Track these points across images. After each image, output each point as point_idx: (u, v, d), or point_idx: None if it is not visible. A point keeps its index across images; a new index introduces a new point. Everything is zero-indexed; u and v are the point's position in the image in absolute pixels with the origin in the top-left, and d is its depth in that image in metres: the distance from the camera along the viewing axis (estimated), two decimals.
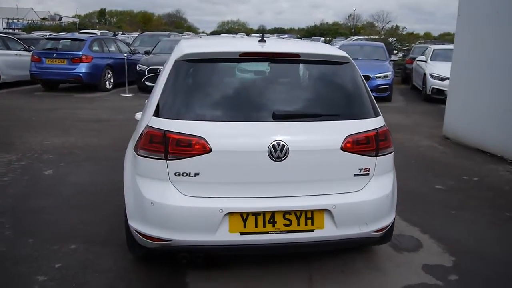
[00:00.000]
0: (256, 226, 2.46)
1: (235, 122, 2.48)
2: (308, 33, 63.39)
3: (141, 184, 2.53)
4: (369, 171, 2.61)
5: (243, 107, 2.59)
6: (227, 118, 2.50)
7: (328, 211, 2.51)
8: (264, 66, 2.74)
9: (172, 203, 2.44)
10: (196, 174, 2.43)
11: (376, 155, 2.61)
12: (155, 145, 2.47)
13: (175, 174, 2.44)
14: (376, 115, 2.68)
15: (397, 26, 61.11)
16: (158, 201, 2.45)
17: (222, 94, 2.67)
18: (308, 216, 2.51)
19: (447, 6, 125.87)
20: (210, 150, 2.40)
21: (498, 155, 5.85)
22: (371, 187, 2.64)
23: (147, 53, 12.45)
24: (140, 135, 2.58)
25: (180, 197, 2.44)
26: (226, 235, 2.44)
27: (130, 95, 11.22)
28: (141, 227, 2.54)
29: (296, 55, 2.69)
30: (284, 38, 33.32)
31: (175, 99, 2.57)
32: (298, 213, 2.49)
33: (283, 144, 2.42)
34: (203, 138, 2.40)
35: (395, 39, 22.71)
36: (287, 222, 2.49)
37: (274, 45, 3.04)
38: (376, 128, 2.62)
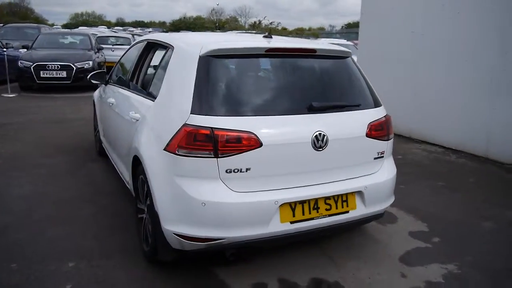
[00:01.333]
0: (303, 214, 2.59)
1: (280, 116, 2.56)
2: (174, 27, 62.74)
3: (186, 185, 2.44)
4: (383, 154, 2.93)
5: (282, 101, 2.68)
6: (272, 112, 2.56)
7: (360, 192, 2.76)
8: (286, 61, 2.84)
9: (226, 200, 2.41)
10: (247, 169, 2.45)
11: (387, 139, 2.95)
12: (201, 143, 2.41)
13: (226, 171, 2.42)
14: (380, 104, 3.01)
15: (260, 21, 64.00)
16: (211, 200, 2.40)
17: (259, 89, 2.71)
18: (344, 199, 2.72)
19: (300, 4, 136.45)
20: (261, 145, 2.44)
21: (406, 135, 6.83)
22: (385, 168, 2.98)
23: (25, 47, 11.07)
24: (176, 134, 2.47)
25: (233, 194, 2.44)
26: (278, 226, 2.52)
27: (14, 95, 9.90)
28: (187, 230, 2.46)
29: (313, 50, 2.86)
30: (150, 32, 32.31)
31: (214, 95, 2.52)
32: (336, 197, 2.69)
33: (323, 134, 2.59)
34: (253, 133, 2.43)
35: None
36: (328, 207, 2.67)
37: (286, 41, 3.14)
38: (385, 116, 2.96)
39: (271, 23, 23.76)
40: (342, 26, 60.09)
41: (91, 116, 7.74)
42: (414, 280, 2.86)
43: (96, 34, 15.87)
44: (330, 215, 2.68)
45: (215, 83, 2.55)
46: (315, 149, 2.58)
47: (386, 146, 2.93)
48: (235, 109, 2.51)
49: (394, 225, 3.71)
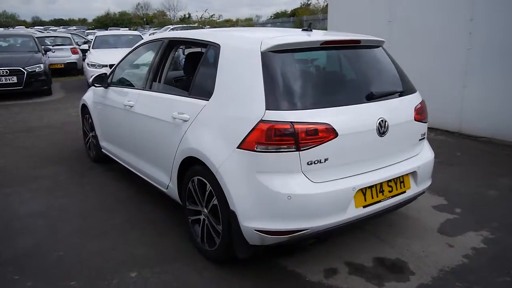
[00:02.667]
0: (372, 198, 2.73)
1: (348, 106, 2.66)
2: (100, 24, 59.86)
3: (269, 180, 2.47)
4: (424, 135, 3.15)
5: (346, 91, 2.78)
6: (341, 103, 2.65)
7: (413, 172, 2.95)
8: (340, 53, 2.94)
9: (310, 192, 2.48)
10: (325, 160, 2.53)
11: (426, 122, 3.16)
12: (282, 138, 2.44)
13: (307, 163, 2.48)
14: (416, 89, 3.22)
15: (189, 15, 62.77)
16: (296, 193, 2.46)
17: (323, 81, 2.79)
18: (401, 180, 2.90)
19: None
20: (336, 135, 2.53)
21: None
22: (426, 149, 3.20)
23: None
24: (251, 131, 2.48)
25: (315, 185, 2.50)
26: (354, 211, 2.63)
27: None
28: (270, 224, 2.50)
29: (358, 41, 2.98)
30: (75, 30, 30.58)
31: (287, 90, 2.56)
32: (396, 179, 2.86)
33: (385, 121, 2.73)
34: (329, 124, 2.51)
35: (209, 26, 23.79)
36: (390, 189, 2.83)
37: (329, 34, 3.22)
38: (422, 100, 3.17)
39: (212, 16, 23.46)
40: (270, 16, 60.92)
41: (57, 123, 7.40)
42: (461, 248, 3.12)
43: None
44: (392, 197, 2.84)
45: (284, 78, 2.59)
46: (378, 135, 2.71)
47: (425, 128, 3.15)
48: (308, 102, 2.57)
49: (416, 201, 3.96)
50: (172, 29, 24.27)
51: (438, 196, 4.05)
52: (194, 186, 2.98)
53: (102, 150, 4.77)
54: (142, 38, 12.75)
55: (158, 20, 66.04)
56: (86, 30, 42.33)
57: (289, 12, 55.73)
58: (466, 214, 3.71)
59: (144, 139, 3.64)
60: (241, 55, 2.75)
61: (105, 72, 4.51)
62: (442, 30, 6.33)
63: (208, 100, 2.86)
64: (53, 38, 15.40)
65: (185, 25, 26.49)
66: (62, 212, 3.80)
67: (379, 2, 7.15)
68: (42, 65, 9.77)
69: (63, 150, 5.69)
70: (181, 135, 3.02)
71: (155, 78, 3.64)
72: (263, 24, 36.25)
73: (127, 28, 36.65)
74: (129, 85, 4.20)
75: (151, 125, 3.46)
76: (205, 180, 2.83)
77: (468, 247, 3.14)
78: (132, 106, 3.74)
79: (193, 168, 2.96)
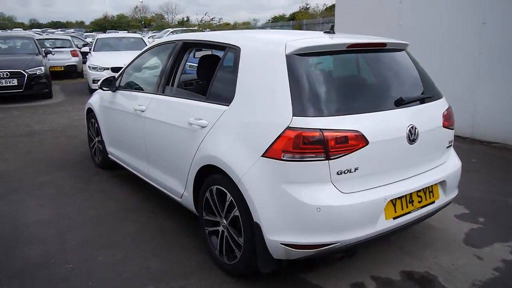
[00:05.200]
0: (402, 208, 2.59)
1: (378, 112, 2.52)
2: (98, 26, 59.66)
3: (297, 191, 2.33)
4: (452, 142, 3.01)
5: (375, 96, 2.64)
6: (370, 109, 2.51)
7: (442, 182, 2.82)
8: (365, 57, 2.80)
9: (340, 203, 2.34)
10: (355, 169, 2.39)
11: (453, 128, 3.03)
12: (310, 146, 2.30)
13: (337, 173, 2.34)
14: (442, 94, 3.08)
15: (188, 18, 62.74)
16: (326, 204, 2.31)
17: (351, 86, 2.65)
18: (430, 190, 2.76)
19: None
20: (367, 143, 2.39)
21: None
22: (453, 156, 3.07)
23: None
24: (277, 139, 2.35)
25: (345, 196, 2.36)
26: (384, 223, 2.49)
27: None
28: (297, 238, 2.36)
29: (383, 44, 2.85)
30: (73, 33, 30.39)
31: (315, 95, 2.42)
32: (425, 189, 2.72)
33: (415, 127, 2.60)
34: (359, 131, 2.37)
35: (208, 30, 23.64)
36: (419, 199, 2.69)
37: (353, 37, 3.07)
38: (449, 105, 3.03)
39: (212, 19, 23.21)
40: (268, 20, 60.97)
41: (59, 127, 7.24)
42: (491, 260, 2.98)
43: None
44: (421, 207, 2.70)
45: (311, 83, 2.45)
46: (408, 143, 2.58)
47: (452, 135, 3.01)
48: (337, 108, 2.43)
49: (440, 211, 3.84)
50: (172, 32, 24.16)
51: (459, 205, 3.91)
52: (212, 195, 2.83)
53: (109, 155, 4.61)
54: (144, 41, 12.73)
55: (156, 23, 66.05)
56: (84, 32, 42.18)
57: (287, 16, 55.78)
58: (490, 223, 3.57)
59: (157, 145, 3.49)
60: (264, 58, 2.62)
61: (113, 75, 4.36)
62: (453, 34, 6.21)
63: (228, 106, 2.71)
64: (53, 40, 15.23)
65: (185, 28, 26.34)
66: (70, 221, 3.64)
67: (388, 5, 7.04)
68: (43, 68, 9.61)
69: (67, 155, 5.53)
70: (198, 142, 2.87)
71: (168, 82, 3.49)
72: (263, 28, 36.18)
73: (126, 31, 36.45)
74: (139, 89, 4.06)
75: (164, 131, 3.32)
76: (225, 190, 2.68)
77: (498, 259, 3.00)
78: (143, 111, 3.59)
79: (211, 177, 2.82)
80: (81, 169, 4.98)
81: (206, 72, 3.48)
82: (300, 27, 26.38)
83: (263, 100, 2.53)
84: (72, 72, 13.85)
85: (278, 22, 44.26)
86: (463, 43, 6.08)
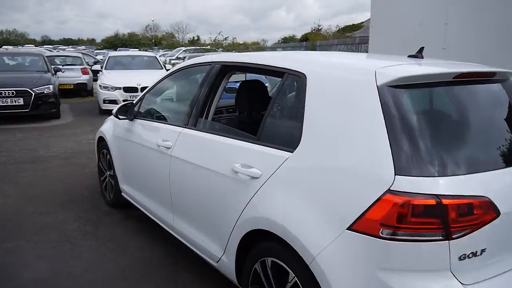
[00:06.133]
0: None
1: (505, 169, 1.81)
2: (109, 44, 59.98)
3: (400, 283, 1.62)
4: None
5: (498, 146, 1.93)
6: (496, 164, 1.81)
7: None
8: (475, 90, 2.10)
9: None
10: (482, 251, 1.68)
11: None
12: (423, 219, 1.61)
13: (459, 258, 1.63)
14: None
15: (198, 37, 63.07)
16: None
17: (466, 131, 1.94)
18: None
19: (231, 19, 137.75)
20: (498, 214, 1.68)
21: None
22: None
23: None
24: (372, 207, 1.65)
25: None
26: None
27: None
28: None
29: (493, 73, 2.16)
30: (84, 50, 30.17)
31: (423, 145, 1.72)
32: None
33: None
34: (487, 197, 1.67)
35: (221, 49, 23.21)
36: None
37: (452, 63, 2.40)
38: None
39: (225, 38, 22.73)
40: (278, 41, 60.95)
41: (66, 153, 6.58)
42: None
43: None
44: None
45: (416, 127, 1.76)
46: None
47: None
48: (456, 163, 1.73)
49: None
50: (184, 50, 23.77)
51: None
52: (265, 269, 2.12)
53: (122, 194, 3.93)
54: (158, 60, 12.20)
55: (167, 42, 66.22)
56: (95, 50, 42.15)
57: (297, 36, 55.67)
58: None
59: (186, 192, 2.79)
60: (345, 91, 1.93)
61: (130, 101, 3.70)
62: (500, 59, 5.54)
63: (292, 151, 2.03)
64: (63, 57, 14.76)
65: (198, 47, 25.97)
66: (73, 282, 2.93)
67: (430, 28, 6.40)
68: (51, 86, 9.03)
69: (74, 189, 4.85)
70: (247, 197, 2.18)
71: (202, 114, 2.82)
72: (273, 49, 35.82)
73: (137, 49, 36.28)
74: (162, 119, 3.40)
75: (197, 177, 2.62)
76: (286, 266, 1.98)
77: None
78: (169, 148, 2.91)
79: (265, 245, 2.12)
80: (89, 207, 4.29)
81: (248, 103, 2.82)
82: (313, 48, 25.93)
83: (346, 147, 1.84)
84: (82, 90, 13.33)
85: (289, 43, 44.03)
86: (510, 67, 5.40)
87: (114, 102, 9.49)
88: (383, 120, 1.74)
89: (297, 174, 1.97)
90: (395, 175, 1.65)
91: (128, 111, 3.61)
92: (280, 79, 2.31)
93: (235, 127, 2.67)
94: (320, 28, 43.69)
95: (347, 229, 1.72)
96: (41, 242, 3.53)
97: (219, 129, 2.72)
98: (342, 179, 1.80)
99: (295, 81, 2.20)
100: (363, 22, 43.97)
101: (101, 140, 4.30)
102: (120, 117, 3.61)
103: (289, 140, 2.07)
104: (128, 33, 76.00)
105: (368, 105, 1.81)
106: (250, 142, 2.30)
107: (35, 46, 46.97)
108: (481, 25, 5.87)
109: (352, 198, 1.74)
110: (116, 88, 9.73)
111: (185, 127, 2.88)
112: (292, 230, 1.89)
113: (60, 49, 32.53)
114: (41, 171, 5.56)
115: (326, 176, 1.86)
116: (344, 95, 1.92)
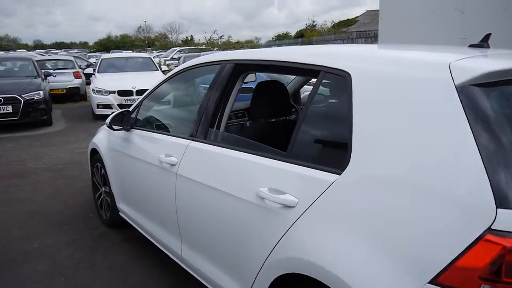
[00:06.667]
0: None
1: None
2: (102, 46, 59.24)
3: None
4: None
5: None
6: None
7: None
8: None
9: None
10: None
11: None
12: None
13: None
14: None
15: (192, 37, 62.66)
16: None
17: None
18: None
19: (223, 18, 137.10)
20: None
21: None
22: None
23: None
24: (465, 252, 1.20)
25: None
26: None
27: None
28: None
29: None
30: (76, 53, 29.50)
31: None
32: None
33: None
34: None
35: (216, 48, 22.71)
36: None
37: None
38: None
39: (220, 37, 22.16)
40: (272, 38, 60.43)
41: (58, 165, 6.09)
42: None
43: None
44: None
45: (500, 137, 1.30)
46: None
47: None
48: None
49: None
50: (179, 51, 23.24)
51: None
52: None
53: (120, 214, 3.46)
54: (153, 61, 11.69)
55: (160, 42, 65.52)
56: (88, 53, 41.47)
57: (291, 33, 55.17)
58: None
59: (196, 220, 2.32)
60: (406, 94, 1.47)
61: (126, 109, 3.22)
62: None
63: (339, 173, 1.56)
64: (54, 61, 14.23)
65: (192, 47, 25.43)
66: None
67: (449, 18, 5.96)
68: (41, 92, 8.53)
69: (66, 206, 4.37)
70: (278, 231, 1.72)
71: (213, 123, 2.35)
72: (269, 47, 35.27)
73: (130, 51, 35.67)
74: (164, 128, 2.93)
75: (211, 202, 2.15)
76: None
77: None
78: (174, 165, 2.44)
79: None
80: (83, 228, 3.81)
81: (269, 108, 2.36)
82: (310, 45, 25.51)
83: (418, 169, 1.37)
84: (74, 95, 12.83)
85: (284, 40, 43.53)
86: None
87: (108, 106, 9.02)
88: (471, 133, 1.28)
89: (350, 204, 1.51)
90: (496, 208, 1.19)
91: (124, 120, 3.14)
92: (315, 79, 1.84)
93: (252, 138, 2.20)
94: (315, 24, 43.22)
95: (429, 282, 1.26)
96: (26, 273, 3.05)
97: (235, 142, 2.24)
98: (417, 211, 1.34)
99: (335, 81, 1.73)
100: (357, 17, 43.60)
101: (95, 153, 3.82)
102: (115, 127, 3.13)
103: (332, 157, 1.62)
104: (121, 35, 75.19)
105: (445, 112, 1.35)
106: (279, 160, 1.83)
107: (28, 50, 46.27)
108: (502, 10, 5.42)
109: (434, 238, 1.28)
110: (110, 92, 9.24)
111: (193, 140, 2.40)
112: (346, 280, 1.43)
113: (53, 53, 31.92)
114: (30, 186, 5.07)
115: (392, 207, 1.40)
116: (405, 100, 1.46)
